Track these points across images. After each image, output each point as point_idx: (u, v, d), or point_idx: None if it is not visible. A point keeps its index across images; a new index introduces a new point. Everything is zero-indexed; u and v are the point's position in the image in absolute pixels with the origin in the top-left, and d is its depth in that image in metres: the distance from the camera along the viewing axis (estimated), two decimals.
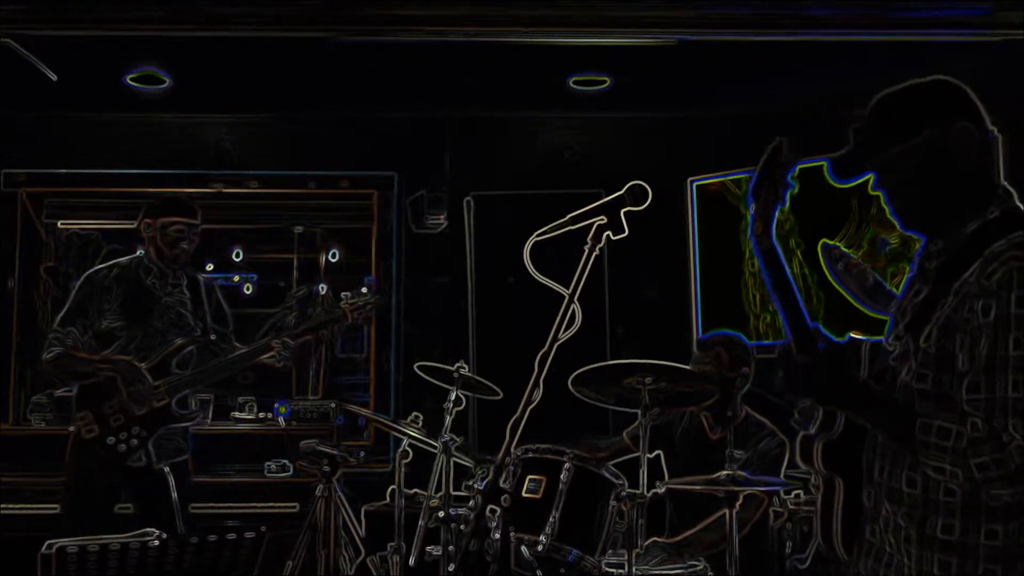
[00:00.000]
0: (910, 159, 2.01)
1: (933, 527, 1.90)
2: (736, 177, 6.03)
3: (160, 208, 4.38)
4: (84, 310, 4.28)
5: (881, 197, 2.08)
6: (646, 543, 3.63)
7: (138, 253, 4.43)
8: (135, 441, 4.13)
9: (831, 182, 2.10)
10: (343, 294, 4.52)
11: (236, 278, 6.42)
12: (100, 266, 4.45)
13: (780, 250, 2.11)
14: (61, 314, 4.33)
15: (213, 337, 4.45)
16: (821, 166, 2.09)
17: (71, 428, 4.22)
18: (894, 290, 2.36)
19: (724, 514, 3.41)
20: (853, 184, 2.12)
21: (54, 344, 4.23)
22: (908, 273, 2.16)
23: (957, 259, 1.96)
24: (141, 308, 4.31)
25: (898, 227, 2.10)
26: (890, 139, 2.02)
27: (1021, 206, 2.04)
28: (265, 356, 4.30)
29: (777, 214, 2.14)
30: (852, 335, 2.15)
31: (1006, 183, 2.05)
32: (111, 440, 4.11)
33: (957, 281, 1.92)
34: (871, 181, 2.08)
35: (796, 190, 2.14)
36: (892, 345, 2.06)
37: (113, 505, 4.25)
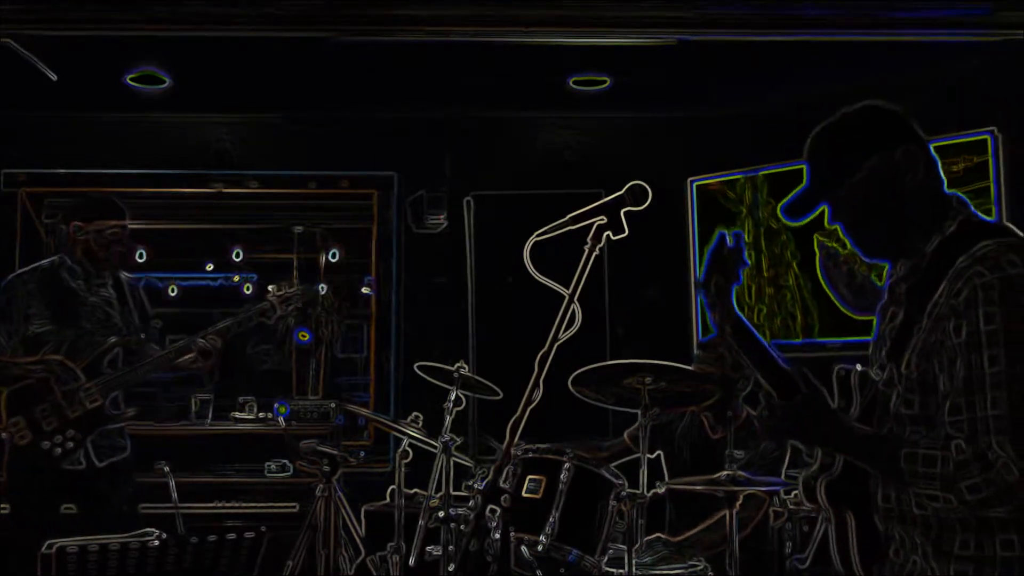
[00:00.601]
0: (860, 191, 2.03)
1: (950, 544, 1.90)
2: (733, 178, 6.04)
3: (93, 210, 4.31)
4: (7, 316, 4.21)
5: (839, 230, 2.10)
6: (650, 537, 3.63)
7: (58, 256, 4.36)
8: (70, 444, 4.07)
9: (785, 222, 2.13)
10: (269, 287, 4.53)
11: (236, 278, 6.42)
12: (21, 271, 4.40)
13: (745, 319, 2.17)
14: None
15: (143, 336, 4.40)
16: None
17: (3, 435, 4.10)
18: (877, 281, 2.38)
19: (726, 514, 3.41)
20: (807, 220, 2.14)
21: None
22: (879, 300, 2.17)
23: (924, 280, 1.98)
24: (68, 310, 4.24)
25: (861, 256, 2.13)
26: (836, 176, 2.04)
27: (976, 213, 2.06)
28: (187, 357, 4.23)
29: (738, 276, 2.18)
30: (840, 366, 2.16)
31: (957, 192, 2.07)
32: (46, 444, 4.03)
33: (929, 303, 1.93)
34: (826, 214, 2.10)
35: (751, 264, 2.18)
36: (877, 374, 2.08)
37: (57, 507, 4.18)
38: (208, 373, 4.41)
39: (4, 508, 5.12)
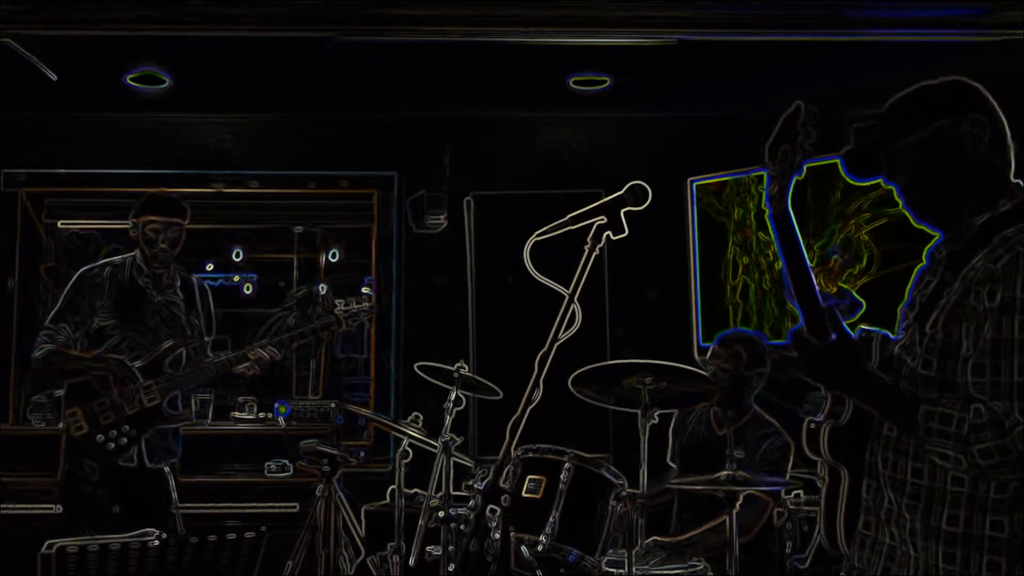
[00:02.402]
0: (920, 150, 2.02)
1: (938, 518, 1.90)
2: (728, 178, 6.04)
3: (140, 207, 4.33)
4: (76, 308, 4.25)
5: (894, 191, 2.09)
6: (646, 542, 3.64)
7: (133, 253, 4.39)
8: (124, 440, 4.10)
9: (847, 179, 2.10)
10: (337, 300, 4.50)
11: (236, 278, 6.41)
12: (93, 264, 4.41)
13: (794, 220, 2.09)
14: (53, 312, 4.31)
15: (206, 340, 4.44)
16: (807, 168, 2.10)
17: (60, 425, 4.19)
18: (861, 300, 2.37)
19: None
20: (869, 183, 2.13)
21: (45, 341, 4.20)
22: (920, 267, 2.17)
23: (966, 249, 1.97)
24: (133, 307, 4.28)
25: (912, 220, 2.10)
26: (900, 131, 2.03)
27: None
28: (245, 364, 4.27)
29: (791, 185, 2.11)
30: (863, 328, 2.14)
31: (1020, 181, 2.04)
32: (100, 438, 4.08)
33: (965, 267, 1.92)
34: (887, 171, 2.09)
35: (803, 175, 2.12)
36: (902, 337, 2.07)
37: (110, 504, 4.19)
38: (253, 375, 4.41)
39: (5, 508, 5.16)
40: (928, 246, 2.14)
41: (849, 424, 2.09)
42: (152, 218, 4.28)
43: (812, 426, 2.16)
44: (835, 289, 2.21)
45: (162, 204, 4.34)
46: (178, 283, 4.42)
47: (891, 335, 2.12)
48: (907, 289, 2.17)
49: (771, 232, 2.11)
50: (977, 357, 1.85)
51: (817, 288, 2.05)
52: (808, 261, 2.07)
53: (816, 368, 2.00)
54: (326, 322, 4.42)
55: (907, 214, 2.10)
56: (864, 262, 5.47)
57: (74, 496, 4.17)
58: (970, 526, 1.87)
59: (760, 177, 5.93)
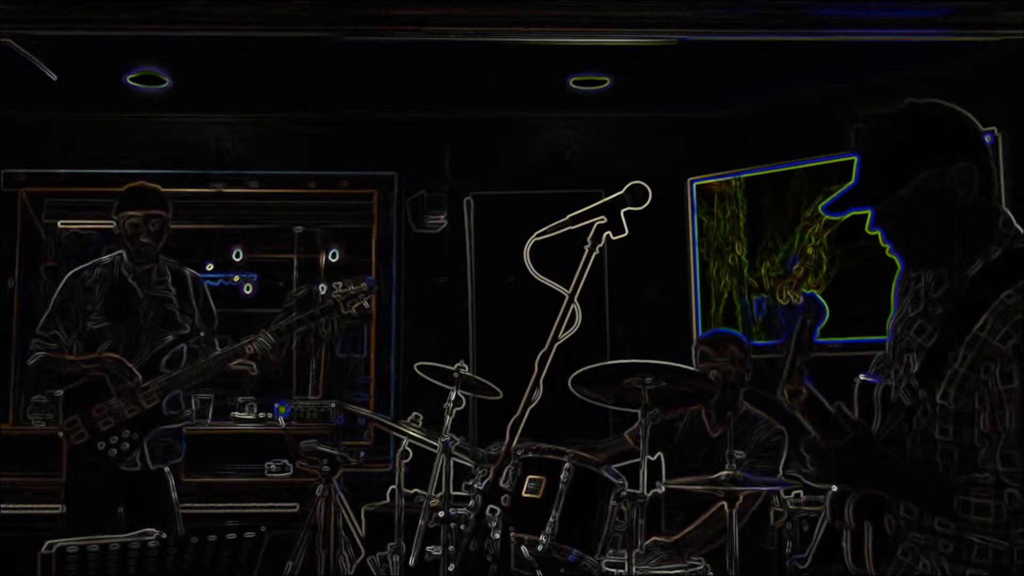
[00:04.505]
0: (905, 204, 1.95)
1: (967, 554, 1.89)
2: (731, 177, 6.04)
3: (119, 202, 4.26)
4: (66, 312, 4.19)
5: (880, 235, 2.02)
6: (646, 543, 3.64)
7: (120, 252, 4.32)
8: (127, 444, 4.05)
9: (822, 214, 2.06)
10: (334, 283, 4.37)
11: (236, 278, 6.41)
12: (82, 266, 4.35)
13: (813, 387, 2.03)
14: (44, 317, 4.25)
15: (203, 334, 4.35)
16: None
17: (59, 434, 4.11)
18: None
19: (720, 508, 3.41)
20: (846, 216, 2.06)
21: (37, 349, 4.15)
22: (895, 292, 2.13)
23: (964, 306, 1.92)
24: (125, 306, 4.21)
25: (899, 265, 2.07)
26: (884, 187, 1.96)
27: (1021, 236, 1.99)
28: (248, 354, 4.17)
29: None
30: (861, 377, 2.10)
31: (1007, 210, 1.99)
32: (101, 445, 4.03)
33: (968, 334, 1.88)
34: (869, 218, 2.02)
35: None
36: (904, 394, 2.02)
37: (114, 509, 4.15)
38: (268, 372, 4.34)
39: (5, 508, 5.16)
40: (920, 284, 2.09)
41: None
42: (132, 212, 4.20)
43: (834, 496, 2.13)
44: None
45: (141, 197, 4.25)
46: (169, 277, 4.33)
47: (881, 380, 2.07)
48: (891, 296, 2.14)
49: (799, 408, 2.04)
50: (1004, 446, 1.84)
51: (820, 397, 2.00)
52: (826, 405, 2.02)
53: (836, 473, 1.99)
54: (325, 306, 4.31)
55: (895, 259, 2.04)
56: (824, 268, 5.52)
57: (79, 504, 4.13)
58: (1000, 557, 1.86)
59: (753, 178, 5.93)
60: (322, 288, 6.29)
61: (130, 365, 4.08)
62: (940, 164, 1.93)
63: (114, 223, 4.28)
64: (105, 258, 4.36)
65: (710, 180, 6.13)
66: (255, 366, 4.24)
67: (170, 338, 4.19)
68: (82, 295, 4.21)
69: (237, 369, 4.25)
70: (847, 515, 2.06)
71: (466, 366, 4.11)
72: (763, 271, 5.83)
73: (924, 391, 1.96)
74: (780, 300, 5.65)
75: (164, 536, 2.63)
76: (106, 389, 4.06)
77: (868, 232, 2.05)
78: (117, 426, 4.05)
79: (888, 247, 2.03)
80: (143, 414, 4.09)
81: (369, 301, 4.50)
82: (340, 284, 4.36)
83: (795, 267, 5.60)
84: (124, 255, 4.29)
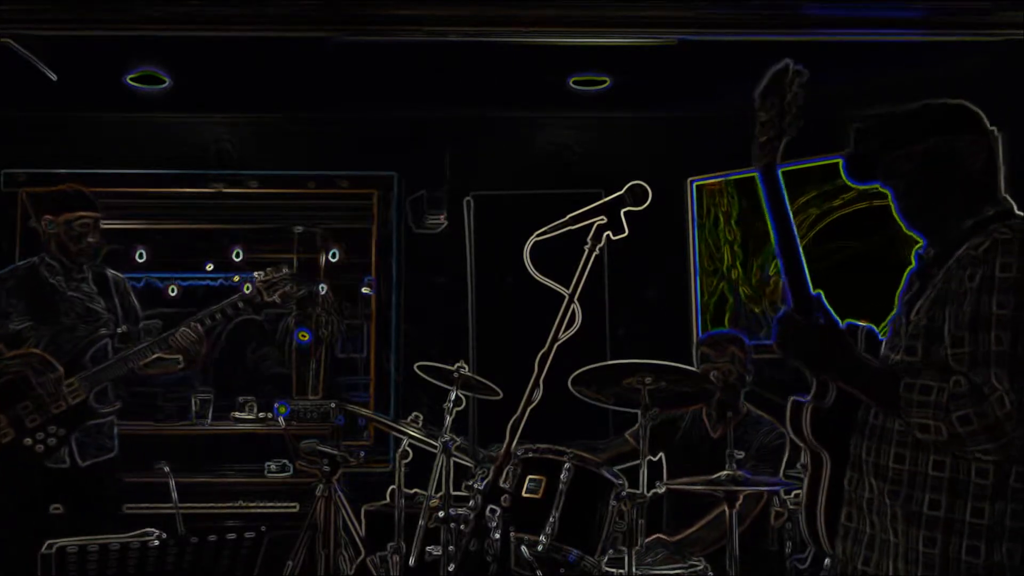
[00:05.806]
0: (917, 160, 2.07)
1: (919, 503, 1.94)
2: (733, 177, 6.04)
3: (63, 204, 4.27)
4: None
5: (889, 196, 2.14)
6: (649, 539, 3.64)
7: (39, 255, 4.31)
8: (53, 440, 4.01)
9: (846, 182, 2.16)
10: (256, 273, 4.34)
11: (236, 278, 6.41)
12: (0, 271, 4.35)
13: (781, 180, 2.15)
14: None
15: (121, 330, 4.30)
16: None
17: None
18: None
19: (723, 510, 3.41)
20: (866, 187, 2.20)
21: None
22: (910, 269, 2.20)
23: (951, 248, 2.03)
24: (47, 306, 4.20)
25: (902, 226, 2.16)
26: (903, 138, 2.09)
27: (1021, 214, 2.10)
28: (173, 346, 4.10)
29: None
30: (850, 321, 2.18)
31: (1007, 195, 2.11)
32: (28, 441, 3.99)
33: (949, 260, 1.99)
34: (883, 170, 2.14)
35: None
36: (890, 335, 2.13)
37: (46, 508, 4.12)
38: (195, 367, 4.32)
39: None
40: (916, 248, 2.18)
41: (833, 408, 2.12)
42: (82, 214, 4.24)
43: (795, 403, 2.19)
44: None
45: (87, 200, 4.31)
46: (89, 276, 4.34)
47: (875, 328, 2.17)
48: (896, 296, 2.19)
49: (759, 189, 2.16)
50: (955, 330, 1.91)
51: (805, 267, 2.08)
52: (796, 235, 2.12)
53: (802, 349, 2.04)
54: (242, 295, 4.23)
55: (898, 219, 2.15)
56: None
57: (10, 502, 4.07)
58: (951, 511, 1.91)
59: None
60: (322, 288, 6.29)
61: (51, 360, 4.04)
62: (955, 132, 2.09)
63: (45, 223, 4.26)
64: (23, 262, 4.38)
65: (710, 180, 6.13)
66: (181, 359, 4.17)
67: (102, 331, 4.18)
68: (3, 298, 4.21)
69: (164, 361, 4.18)
70: (804, 426, 2.11)
71: (466, 366, 4.11)
72: (752, 272, 5.83)
73: (903, 316, 2.07)
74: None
75: (164, 536, 2.63)
76: (30, 385, 4.02)
77: (879, 191, 2.16)
78: (43, 422, 4.02)
79: (895, 207, 2.15)
80: (69, 409, 4.04)
81: (294, 288, 4.44)
82: (262, 273, 4.33)
83: (771, 279, 5.62)
84: (46, 256, 4.29)
